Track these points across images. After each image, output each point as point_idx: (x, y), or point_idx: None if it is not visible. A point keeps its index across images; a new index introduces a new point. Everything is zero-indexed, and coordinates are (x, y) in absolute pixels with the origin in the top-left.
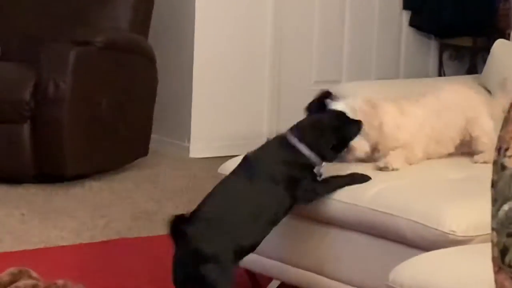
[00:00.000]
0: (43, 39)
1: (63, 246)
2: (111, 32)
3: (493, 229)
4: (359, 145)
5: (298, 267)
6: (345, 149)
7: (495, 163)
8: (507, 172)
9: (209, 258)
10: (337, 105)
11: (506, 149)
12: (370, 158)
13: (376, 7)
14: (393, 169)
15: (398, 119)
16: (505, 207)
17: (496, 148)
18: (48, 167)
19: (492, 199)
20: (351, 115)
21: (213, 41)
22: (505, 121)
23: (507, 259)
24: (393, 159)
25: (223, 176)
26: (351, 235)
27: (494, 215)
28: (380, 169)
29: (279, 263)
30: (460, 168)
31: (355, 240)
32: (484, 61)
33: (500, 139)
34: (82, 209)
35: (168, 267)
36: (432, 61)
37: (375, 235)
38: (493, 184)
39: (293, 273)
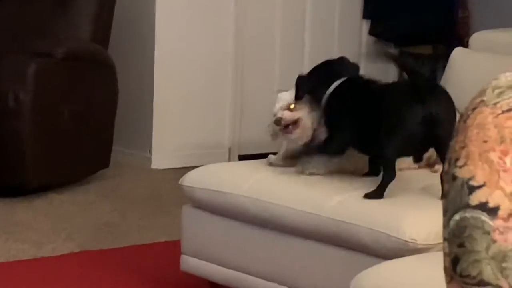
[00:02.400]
0: (3, 51)
1: (24, 260)
2: (71, 43)
3: (444, 239)
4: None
5: (259, 277)
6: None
7: (446, 173)
8: (457, 182)
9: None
10: (283, 95)
11: (457, 160)
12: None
13: (336, 17)
14: (309, 173)
15: None
16: (456, 217)
17: (447, 158)
18: (9, 180)
19: (443, 209)
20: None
21: (174, 51)
22: (455, 131)
23: (458, 268)
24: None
25: (184, 188)
26: (312, 245)
27: (445, 225)
28: (301, 172)
29: (241, 274)
30: (420, 177)
31: (316, 250)
32: (444, 69)
33: (451, 149)
34: (44, 221)
35: (130, 278)
36: (392, 70)
37: (336, 245)
38: (444, 195)
39: (255, 283)
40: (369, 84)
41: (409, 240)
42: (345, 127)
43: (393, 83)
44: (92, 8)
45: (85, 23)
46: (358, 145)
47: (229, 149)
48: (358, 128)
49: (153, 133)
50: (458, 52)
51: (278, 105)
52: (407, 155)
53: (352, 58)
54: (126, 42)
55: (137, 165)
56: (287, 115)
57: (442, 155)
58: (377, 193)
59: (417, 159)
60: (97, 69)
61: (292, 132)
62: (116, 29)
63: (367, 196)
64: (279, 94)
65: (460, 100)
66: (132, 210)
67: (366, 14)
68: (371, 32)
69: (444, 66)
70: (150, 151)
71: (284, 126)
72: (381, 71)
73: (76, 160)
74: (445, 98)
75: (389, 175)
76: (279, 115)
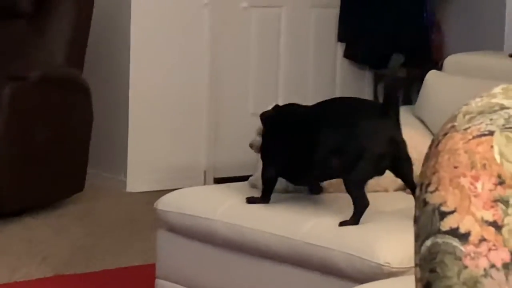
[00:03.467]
0: None
1: None
2: (46, 67)
3: (416, 264)
4: None
5: None
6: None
7: (417, 198)
8: (428, 208)
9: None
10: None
11: (428, 185)
12: None
13: (310, 40)
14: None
15: None
16: (428, 242)
17: (418, 184)
18: None
19: (415, 234)
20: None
21: (149, 74)
22: (426, 157)
23: None
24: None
25: (159, 212)
26: (287, 269)
27: (417, 251)
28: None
29: None
30: (394, 200)
31: (291, 274)
32: (418, 92)
33: (422, 174)
34: (18, 245)
35: None
36: (367, 92)
37: (311, 269)
38: (416, 220)
39: None
40: (310, 108)
41: (383, 264)
42: (272, 158)
43: (344, 104)
44: (66, 32)
45: (59, 46)
46: (292, 177)
47: (205, 172)
48: (290, 158)
49: (128, 156)
50: (432, 75)
51: (258, 125)
52: (370, 177)
53: (327, 81)
54: (102, 66)
55: (112, 189)
56: (257, 143)
57: (402, 175)
58: (352, 222)
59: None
60: (72, 93)
61: None
62: (92, 53)
63: (342, 224)
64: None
65: (435, 122)
66: (107, 233)
67: (340, 37)
68: (346, 55)
69: (419, 89)
70: (125, 174)
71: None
72: (356, 93)
73: (50, 184)
74: (399, 121)
75: (362, 202)
76: (252, 140)
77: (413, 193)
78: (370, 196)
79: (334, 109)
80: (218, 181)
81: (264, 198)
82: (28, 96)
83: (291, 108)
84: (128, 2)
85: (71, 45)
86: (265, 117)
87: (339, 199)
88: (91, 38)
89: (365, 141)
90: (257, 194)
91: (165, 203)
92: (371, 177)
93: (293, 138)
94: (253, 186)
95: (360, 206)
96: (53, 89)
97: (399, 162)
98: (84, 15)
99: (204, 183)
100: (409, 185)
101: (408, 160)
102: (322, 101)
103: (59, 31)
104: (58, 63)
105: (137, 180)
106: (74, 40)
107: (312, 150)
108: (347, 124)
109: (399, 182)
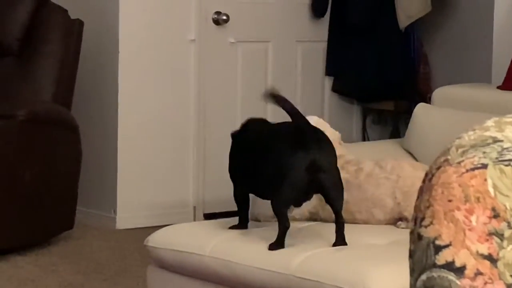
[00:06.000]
0: None
1: None
2: (33, 105)
3: None
4: None
5: None
6: None
7: (411, 232)
8: (423, 242)
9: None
10: None
11: (422, 219)
12: None
13: (298, 74)
14: None
15: None
16: (423, 277)
17: (412, 218)
18: None
19: (410, 269)
20: None
21: (137, 111)
22: (420, 191)
23: None
24: None
25: (149, 249)
26: None
27: (412, 285)
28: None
29: None
30: (384, 233)
31: None
32: (407, 125)
33: (416, 208)
34: (7, 285)
35: None
36: (355, 126)
37: None
38: (411, 254)
39: None
40: (260, 128)
41: None
42: (238, 176)
43: (276, 129)
44: (54, 70)
45: (47, 84)
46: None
47: (194, 208)
48: (249, 174)
49: (118, 193)
50: (420, 108)
51: None
52: (295, 203)
53: (315, 115)
54: (90, 103)
55: (102, 226)
56: None
57: (328, 201)
58: (278, 244)
59: (298, 205)
60: (60, 130)
61: None
62: (80, 90)
63: (271, 248)
64: None
65: (424, 155)
66: (97, 271)
67: (328, 71)
68: (334, 89)
69: (407, 122)
70: (114, 211)
71: None
72: (344, 127)
73: (39, 222)
74: (325, 143)
75: (283, 224)
76: None
77: (336, 220)
78: (360, 228)
79: (264, 133)
80: (208, 216)
81: (240, 223)
82: (16, 134)
83: (253, 126)
84: (115, 40)
85: (58, 83)
86: (231, 134)
87: (328, 228)
88: (80, 76)
89: (281, 170)
90: (256, 227)
91: (155, 240)
92: (293, 201)
93: (247, 157)
94: (255, 219)
95: (281, 228)
96: (41, 127)
97: (324, 189)
98: (71, 53)
99: (194, 219)
100: (335, 213)
101: (334, 188)
102: (263, 124)
103: (46, 69)
104: (45, 101)
105: (127, 217)
106: (62, 78)
107: (256, 170)
108: (269, 150)
109: (388, 208)
